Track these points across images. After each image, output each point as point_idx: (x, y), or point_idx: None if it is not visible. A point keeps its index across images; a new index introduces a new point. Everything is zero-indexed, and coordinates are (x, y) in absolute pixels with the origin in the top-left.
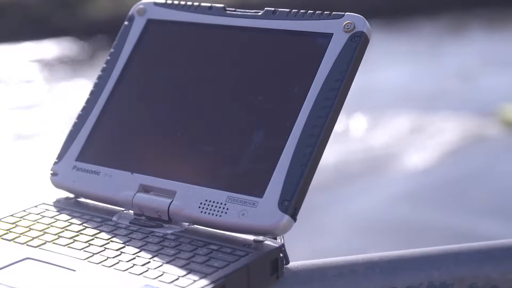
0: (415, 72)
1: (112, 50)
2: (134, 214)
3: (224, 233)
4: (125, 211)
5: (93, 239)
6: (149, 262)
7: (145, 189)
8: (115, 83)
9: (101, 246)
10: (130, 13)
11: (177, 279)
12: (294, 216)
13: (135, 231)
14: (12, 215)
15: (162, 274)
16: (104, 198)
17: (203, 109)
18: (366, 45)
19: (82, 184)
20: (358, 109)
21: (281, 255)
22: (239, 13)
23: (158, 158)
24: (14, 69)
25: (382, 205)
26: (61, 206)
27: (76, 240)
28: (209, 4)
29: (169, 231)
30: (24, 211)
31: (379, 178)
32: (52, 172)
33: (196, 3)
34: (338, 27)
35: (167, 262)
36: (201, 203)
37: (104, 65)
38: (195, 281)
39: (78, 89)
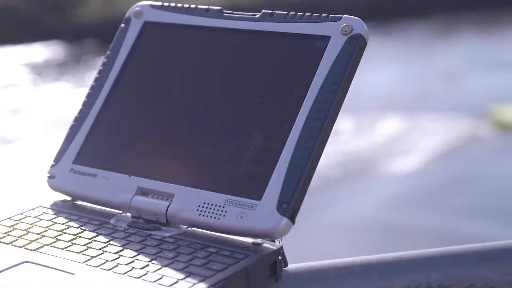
0: (404, 74)
1: (108, 52)
2: (132, 217)
3: (222, 236)
4: (122, 214)
5: (91, 242)
6: (148, 265)
7: (143, 192)
8: (112, 85)
9: (99, 249)
10: (126, 15)
11: (176, 282)
12: (292, 219)
13: (133, 234)
14: (9, 218)
15: (161, 277)
16: (101, 201)
17: (201, 112)
18: (364, 47)
19: (79, 187)
20: (346, 111)
21: (279, 257)
22: (236, 15)
23: (156, 161)
24: (1, 73)
25: (369, 208)
26: (59, 209)
27: (74, 243)
28: (206, 7)
29: (167, 234)
30: (21, 214)
31: (366, 181)
32: (49, 175)
33: (193, 6)
34: (336, 30)
35: (166, 265)
36: (199, 206)
37: (101, 68)
38: (194, 284)
39: (64, 93)
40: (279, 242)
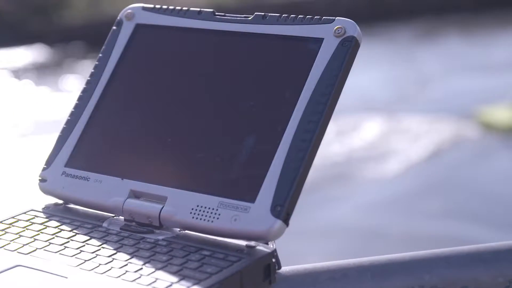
0: (388, 76)
1: (100, 55)
2: (125, 220)
3: (216, 239)
4: (115, 217)
5: (84, 245)
6: (141, 268)
7: (135, 194)
8: (104, 88)
9: (92, 252)
10: (118, 17)
11: (170, 285)
12: (286, 221)
13: (126, 237)
14: (1, 222)
15: (155, 281)
16: (94, 204)
17: (194, 114)
18: (357, 49)
19: (71, 190)
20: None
21: (273, 260)
22: (228, 17)
23: (149, 164)
24: None
25: (346, 214)
26: (51, 212)
27: (67, 247)
28: (198, 9)
29: (161, 237)
30: (13, 217)
31: (346, 186)
32: (40, 178)
33: (185, 8)
34: (329, 32)
35: (160, 268)
36: (192, 209)
37: (93, 70)
38: (188, 287)
39: (43, 96)
40: (273, 245)
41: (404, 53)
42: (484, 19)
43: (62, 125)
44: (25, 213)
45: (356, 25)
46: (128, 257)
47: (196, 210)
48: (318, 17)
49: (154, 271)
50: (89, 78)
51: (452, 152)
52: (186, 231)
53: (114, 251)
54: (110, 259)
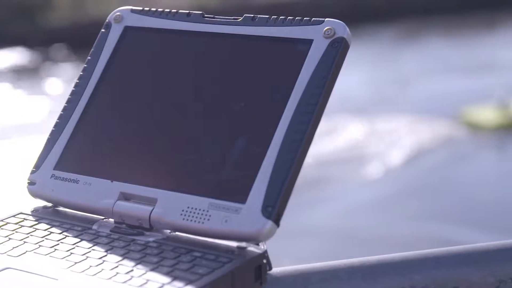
0: (371, 78)
1: (89, 57)
2: (115, 222)
3: (206, 240)
4: (105, 220)
5: (74, 248)
6: (132, 270)
7: (125, 197)
8: (93, 90)
9: (83, 254)
10: (107, 20)
11: (162, 286)
12: (277, 222)
13: (116, 239)
14: None
15: (146, 282)
16: (83, 207)
17: (183, 116)
18: (346, 50)
19: (61, 193)
20: None
21: (264, 261)
22: (217, 19)
23: (138, 166)
24: None
25: (329, 215)
26: (40, 215)
27: (57, 249)
28: (187, 11)
29: (151, 239)
30: (2, 220)
31: (328, 188)
32: (29, 181)
33: (174, 10)
34: (318, 33)
35: (151, 270)
36: (183, 210)
37: (81, 73)
38: None
39: (21, 99)
40: (263, 246)
41: (387, 54)
42: (468, 21)
43: (40, 128)
44: (14, 216)
45: (346, 26)
46: (119, 258)
47: (186, 211)
48: (308, 18)
49: (145, 273)
50: (77, 81)
51: (436, 153)
52: (177, 233)
53: (105, 253)
54: (100, 261)
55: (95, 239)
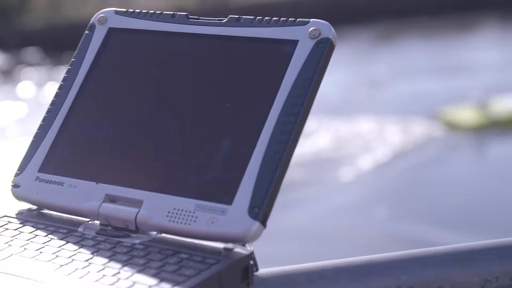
0: (350, 79)
1: (73, 59)
2: (100, 224)
3: (193, 242)
4: (90, 222)
5: (59, 250)
6: (119, 272)
7: (111, 199)
8: (78, 92)
9: (68, 257)
10: (91, 22)
11: None
12: (264, 223)
13: (102, 241)
14: None
15: (133, 284)
16: (69, 209)
17: (169, 117)
18: (332, 51)
19: (45, 196)
20: None
21: (251, 262)
22: (202, 20)
23: (124, 168)
24: None
25: (306, 217)
26: (24, 218)
27: (42, 252)
28: (171, 12)
29: (137, 241)
30: None
31: (307, 189)
32: (13, 184)
33: (158, 11)
34: (304, 34)
35: (138, 272)
36: (169, 212)
37: (66, 75)
38: None
39: None
40: (250, 247)
41: (364, 55)
42: (444, 22)
43: (10, 131)
44: None
45: (331, 27)
46: (105, 261)
47: (172, 213)
48: (293, 19)
49: (132, 275)
50: (62, 83)
51: (415, 153)
52: (163, 235)
53: (91, 256)
54: (86, 263)
55: (80, 242)
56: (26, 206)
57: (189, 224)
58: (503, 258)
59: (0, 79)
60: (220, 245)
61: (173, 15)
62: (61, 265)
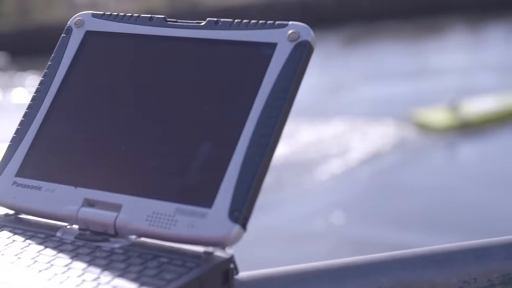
0: (322, 82)
1: (50, 62)
2: (79, 229)
3: (173, 245)
4: (68, 227)
5: (38, 255)
6: (99, 277)
7: (89, 203)
8: (55, 95)
9: (47, 262)
10: (67, 25)
11: None
12: (244, 226)
13: (81, 246)
14: None
15: None
16: (47, 214)
17: (147, 121)
18: (311, 54)
19: (23, 200)
20: None
21: (231, 265)
22: (180, 23)
23: (102, 171)
24: None
25: (280, 220)
26: (1, 223)
27: (21, 258)
28: (149, 15)
29: (117, 245)
30: None
31: (279, 193)
32: None
33: (136, 14)
34: (283, 37)
35: (118, 276)
36: (148, 216)
37: (42, 78)
38: None
39: None
40: (230, 250)
41: (335, 59)
42: (416, 26)
43: None
44: None
45: (310, 29)
46: (85, 266)
47: (152, 217)
48: (271, 21)
49: (112, 279)
50: (38, 86)
51: (388, 155)
52: (143, 239)
53: (70, 261)
54: (66, 268)
55: (59, 247)
56: (3, 211)
57: (169, 228)
58: (480, 260)
59: None
60: (200, 248)
61: (150, 18)
62: (40, 271)
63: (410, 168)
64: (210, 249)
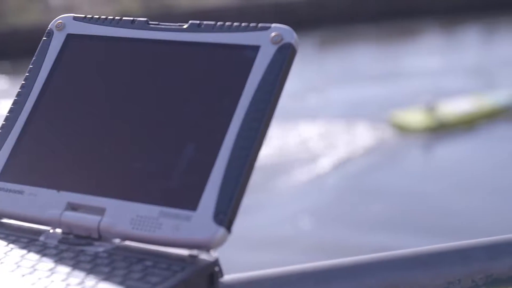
0: (297, 85)
1: (31, 66)
2: (62, 233)
3: (157, 249)
4: (52, 231)
5: (21, 260)
6: (83, 281)
7: (72, 207)
8: (36, 99)
9: (31, 267)
10: (48, 28)
11: None
12: (229, 228)
13: (65, 250)
14: None
15: None
16: (29, 218)
17: (130, 124)
18: (294, 56)
19: (5, 205)
20: None
21: (216, 268)
22: (162, 26)
23: (85, 175)
24: None
25: (261, 223)
26: None
27: (3, 263)
28: (131, 18)
29: (101, 249)
30: None
31: (258, 195)
32: None
33: (117, 17)
34: (266, 39)
35: (102, 280)
36: (132, 219)
37: (23, 82)
38: None
39: None
40: (215, 253)
41: (309, 61)
42: (388, 29)
43: None
44: None
45: (293, 32)
46: (69, 270)
47: (136, 220)
48: (254, 24)
49: (97, 283)
50: (20, 90)
51: (366, 157)
52: (127, 242)
53: (54, 265)
54: (49, 273)
55: (43, 251)
56: None
57: (154, 231)
58: (465, 261)
59: None
60: (185, 252)
61: (132, 21)
62: (24, 275)
63: (386, 171)
64: (195, 252)
